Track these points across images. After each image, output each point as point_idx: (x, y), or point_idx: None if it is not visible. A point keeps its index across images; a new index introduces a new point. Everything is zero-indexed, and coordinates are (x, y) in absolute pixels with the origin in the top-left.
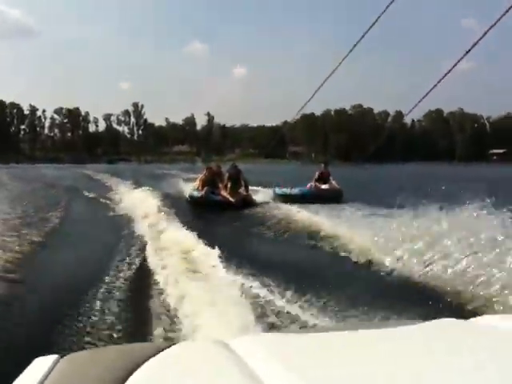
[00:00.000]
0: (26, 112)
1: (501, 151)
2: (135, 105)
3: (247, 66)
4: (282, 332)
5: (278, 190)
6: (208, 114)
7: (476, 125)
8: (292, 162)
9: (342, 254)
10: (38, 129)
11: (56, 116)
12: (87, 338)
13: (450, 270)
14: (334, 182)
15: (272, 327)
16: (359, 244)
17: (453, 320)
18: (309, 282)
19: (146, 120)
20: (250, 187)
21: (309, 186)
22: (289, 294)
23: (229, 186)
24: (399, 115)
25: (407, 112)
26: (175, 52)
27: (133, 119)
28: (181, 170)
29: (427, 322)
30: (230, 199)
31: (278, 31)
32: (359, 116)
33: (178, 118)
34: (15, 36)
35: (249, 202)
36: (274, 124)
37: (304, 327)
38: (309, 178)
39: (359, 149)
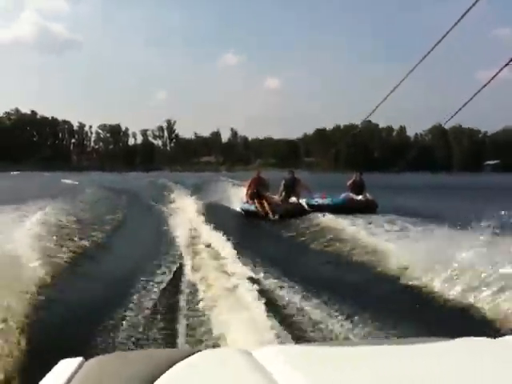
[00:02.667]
0: (75, 128)
1: (494, 162)
2: (168, 121)
3: (278, 79)
4: (306, 343)
5: (310, 200)
6: (231, 129)
7: (473, 138)
8: (305, 172)
9: (373, 267)
10: (85, 142)
11: (100, 131)
12: (113, 341)
13: (479, 288)
14: (367, 194)
15: (298, 337)
16: (392, 257)
17: (481, 339)
18: (337, 293)
19: (177, 135)
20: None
21: (343, 195)
22: (318, 303)
23: (283, 194)
24: (403, 130)
25: (444, 122)
26: (208, 64)
27: (166, 134)
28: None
29: (454, 340)
30: (269, 213)
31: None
32: (367, 131)
33: (208, 126)
34: (58, 50)
35: (292, 214)
36: (294, 137)
37: (330, 339)
38: (318, 183)
39: (365, 159)
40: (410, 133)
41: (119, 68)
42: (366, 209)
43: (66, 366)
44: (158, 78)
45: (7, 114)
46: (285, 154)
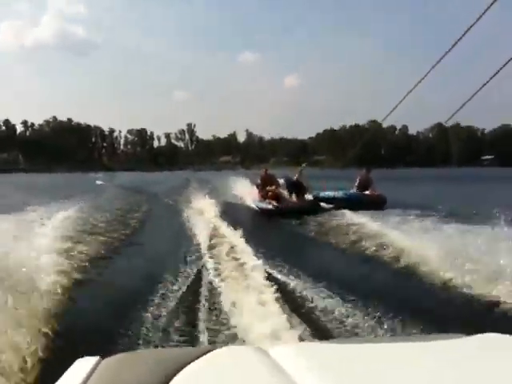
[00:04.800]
0: (107, 132)
1: (490, 157)
2: (189, 124)
3: (296, 78)
4: (323, 341)
5: (322, 193)
6: (246, 131)
7: (471, 135)
8: (315, 168)
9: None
10: (115, 145)
11: (128, 135)
12: (130, 340)
13: (495, 282)
14: (375, 189)
15: (313, 334)
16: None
17: (497, 335)
18: (354, 289)
19: (197, 137)
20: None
21: (351, 191)
22: (334, 300)
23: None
24: (405, 128)
25: (445, 120)
26: (227, 62)
27: (187, 136)
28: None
29: (471, 336)
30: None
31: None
32: (373, 130)
33: (227, 126)
34: (80, 53)
35: (307, 210)
36: (308, 136)
37: (346, 338)
38: (326, 177)
39: (371, 157)
40: (412, 131)
41: (139, 70)
42: (375, 203)
43: (83, 364)
44: (178, 79)
45: (47, 122)
46: (296, 152)
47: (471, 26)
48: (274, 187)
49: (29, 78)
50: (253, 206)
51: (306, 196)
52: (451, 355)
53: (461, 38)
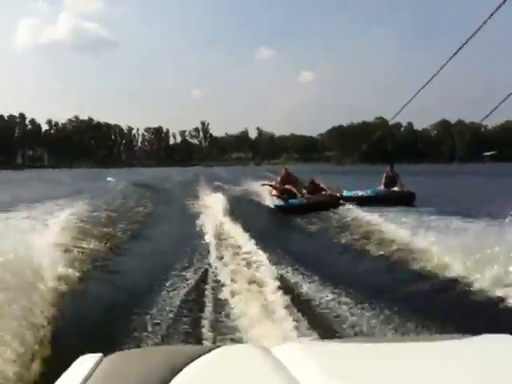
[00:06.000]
0: (125, 131)
1: (492, 153)
2: (203, 123)
3: (313, 73)
4: (326, 340)
5: (347, 192)
6: (258, 128)
7: (475, 132)
8: (325, 164)
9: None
10: (133, 143)
11: (145, 133)
12: (134, 337)
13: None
14: (402, 185)
15: (321, 333)
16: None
17: (506, 336)
18: (362, 288)
19: (211, 134)
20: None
21: (378, 189)
22: (344, 299)
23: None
24: (410, 126)
25: (483, 118)
26: (242, 59)
27: (201, 134)
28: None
29: (480, 336)
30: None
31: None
32: (382, 127)
33: (240, 123)
34: (94, 49)
35: (326, 205)
36: (317, 133)
37: (349, 337)
38: (338, 172)
39: (378, 153)
40: (417, 127)
41: (156, 69)
42: (404, 200)
43: (86, 361)
44: (193, 77)
45: (69, 120)
46: (307, 149)
47: (484, 23)
48: (291, 186)
49: (45, 76)
50: (270, 203)
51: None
52: (457, 354)
53: (473, 35)
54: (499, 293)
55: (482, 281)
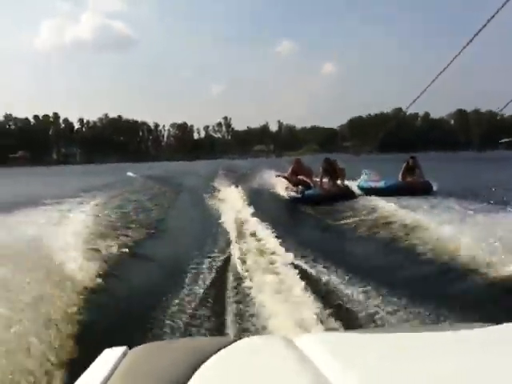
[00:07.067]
0: (152, 127)
1: (509, 140)
2: (225, 117)
3: (334, 66)
4: (348, 331)
5: (364, 183)
6: (278, 121)
7: (491, 120)
8: (343, 154)
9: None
10: (160, 138)
11: (171, 129)
12: (158, 330)
13: None
14: (421, 176)
15: (342, 324)
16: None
17: None
18: (384, 278)
19: (233, 128)
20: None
21: (395, 179)
22: (365, 289)
23: (324, 179)
24: (427, 115)
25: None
26: (263, 51)
27: (224, 128)
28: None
29: (496, 326)
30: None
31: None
32: (398, 118)
33: (261, 114)
34: (118, 47)
35: (339, 196)
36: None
37: (371, 327)
38: (355, 160)
39: (394, 142)
40: (434, 115)
41: (178, 66)
42: (421, 190)
43: (111, 354)
44: (215, 72)
45: (100, 119)
46: (327, 140)
47: (494, 15)
48: (304, 176)
49: (72, 75)
50: (283, 194)
51: (338, 182)
52: (474, 344)
53: (484, 26)
54: None
55: None
